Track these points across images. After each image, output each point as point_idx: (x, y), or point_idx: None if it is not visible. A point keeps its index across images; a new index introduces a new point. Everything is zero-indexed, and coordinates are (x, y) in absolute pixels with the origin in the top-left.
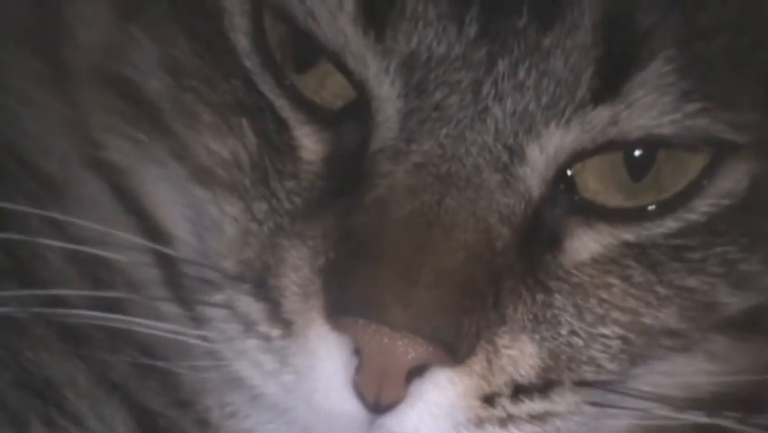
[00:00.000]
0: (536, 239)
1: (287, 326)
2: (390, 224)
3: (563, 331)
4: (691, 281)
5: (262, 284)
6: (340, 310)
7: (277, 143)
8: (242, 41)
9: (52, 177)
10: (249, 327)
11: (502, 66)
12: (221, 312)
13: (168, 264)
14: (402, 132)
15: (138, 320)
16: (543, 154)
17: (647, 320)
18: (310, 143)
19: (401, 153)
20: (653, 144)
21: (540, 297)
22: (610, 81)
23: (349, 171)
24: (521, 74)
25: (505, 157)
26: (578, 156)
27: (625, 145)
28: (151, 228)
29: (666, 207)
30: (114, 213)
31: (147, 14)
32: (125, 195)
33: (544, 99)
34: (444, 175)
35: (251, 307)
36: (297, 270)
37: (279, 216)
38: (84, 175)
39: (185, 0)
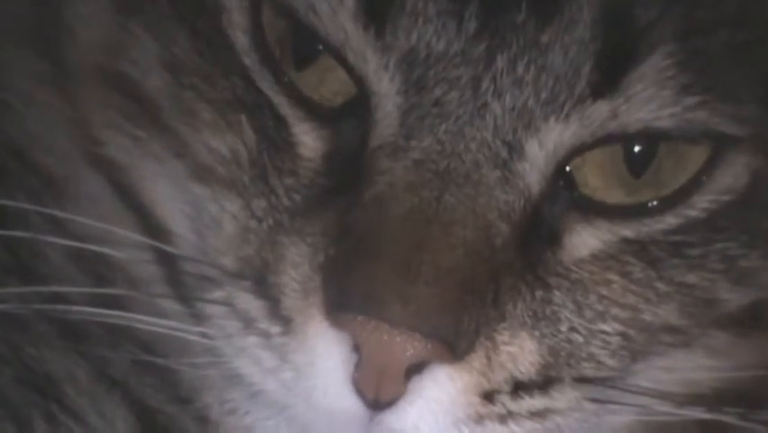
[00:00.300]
0: (535, 236)
1: (286, 323)
2: (389, 221)
3: (563, 328)
4: (691, 278)
5: (262, 281)
6: (339, 307)
7: (276, 140)
8: (240, 38)
9: (53, 174)
10: (248, 324)
11: (501, 61)
12: (220, 309)
13: (167, 261)
14: (401, 128)
15: (138, 317)
16: (542, 150)
17: (647, 316)
18: (309, 140)
19: (400, 150)
20: (652, 137)
21: (539, 293)
22: (609, 75)
23: (348, 168)
24: (520, 69)
25: (504, 153)
26: (577, 151)
27: (624, 138)
28: (151, 225)
29: (666, 204)
30: (114, 210)
31: (147, 12)
32: (125, 192)
33: (543, 94)
34: (443, 171)
35: (251, 304)
36: (297, 267)
37: (279, 213)
38: (84, 172)
39: None
